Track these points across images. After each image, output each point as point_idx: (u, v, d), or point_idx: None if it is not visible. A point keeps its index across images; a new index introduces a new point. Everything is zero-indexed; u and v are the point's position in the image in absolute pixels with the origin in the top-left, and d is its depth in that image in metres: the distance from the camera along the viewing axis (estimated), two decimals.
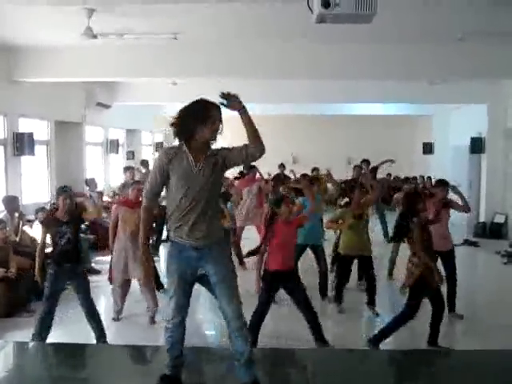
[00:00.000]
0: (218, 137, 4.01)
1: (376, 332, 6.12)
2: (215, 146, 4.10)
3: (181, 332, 4.17)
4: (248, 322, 5.33)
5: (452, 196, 7.56)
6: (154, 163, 4.15)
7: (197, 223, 3.97)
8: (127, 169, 11.69)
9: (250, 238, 10.18)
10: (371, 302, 7.51)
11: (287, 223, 5.94)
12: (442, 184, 7.48)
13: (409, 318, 5.91)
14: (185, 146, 4.00)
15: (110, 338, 6.17)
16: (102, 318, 6.20)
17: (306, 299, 5.97)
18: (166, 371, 4.20)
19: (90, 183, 12.60)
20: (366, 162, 13.24)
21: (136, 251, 6.87)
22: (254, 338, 5.57)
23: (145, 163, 13.52)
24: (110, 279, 7.44)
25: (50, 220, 5.92)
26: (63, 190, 5.98)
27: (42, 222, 5.99)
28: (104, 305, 7.76)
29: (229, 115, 4.10)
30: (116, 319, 7.16)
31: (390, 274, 9.23)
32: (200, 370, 4.87)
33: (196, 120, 3.94)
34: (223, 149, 4.06)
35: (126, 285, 7.21)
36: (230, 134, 4.61)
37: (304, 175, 9.40)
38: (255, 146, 3.92)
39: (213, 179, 4.01)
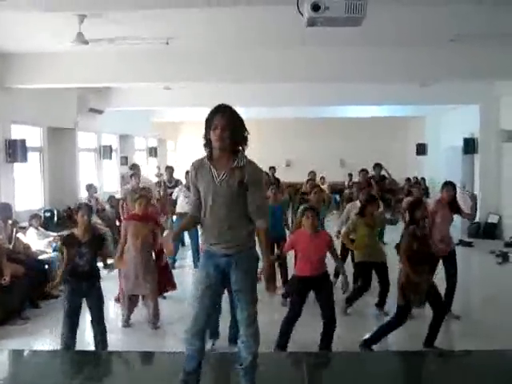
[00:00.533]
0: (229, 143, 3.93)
1: (368, 335, 6.15)
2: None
3: (198, 347, 4.10)
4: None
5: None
6: (191, 178, 4.20)
7: (222, 232, 4.01)
8: (133, 175, 11.58)
9: None
10: (381, 304, 7.54)
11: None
12: (448, 186, 7.49)
13: (399, 322, 5.98)
14: (206, 157, 4.05)
15: (118, 343, 6.19)
16: (111, 323, 6.22)
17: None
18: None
19: (89, 188, 12.56)
20: (379, 166, 12.90)
21: (146, 266, 6.98)
22: (284, 342, 5.84)
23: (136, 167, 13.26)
24: (118, 299, 7.62)
25: (70, 240, 5.84)
26: (82, 206, 6.02)
27: (63, 243, 5.95)
28: (112, 310, 7.77)
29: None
30: (125, 326, 7.20)
31: None
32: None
33: (206, 132, 4.00)
34: (253, 175, 3.98)
35: (135, 298, 7.27)
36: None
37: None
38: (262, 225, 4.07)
39: (236, 190, 3.96)
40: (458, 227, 13.63)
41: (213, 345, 6.06)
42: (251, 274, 4.13)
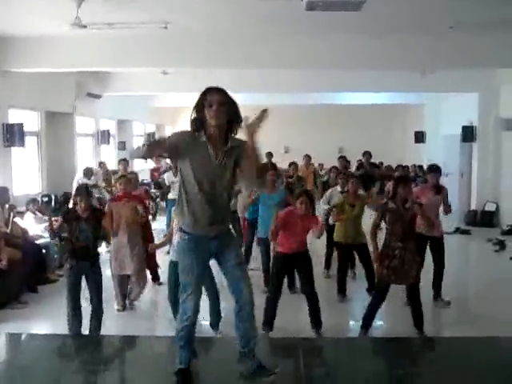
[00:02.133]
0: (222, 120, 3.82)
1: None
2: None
3: (193, 332, 4.12)
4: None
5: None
6: (178, 133, 3.97)
7: (214, 213, 3.92)
8: (121, 161, 11.72)
9: None
10: (372, 288, 7.58)
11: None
12: (433, 170, 7.50)
13: (378, 299, 6.11)
14: (203, 135, 3.86)
15: (113, 329, 6.23)
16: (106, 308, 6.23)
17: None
18: (179, 366, 4.12)
19: (87, 172, 12.54)
20: (368, 153, 13.21)
21: (131, 246, 7.06)
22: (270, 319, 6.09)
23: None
24: None
25: (70, 215, 5.94)
26: (81, 192, 6.14)
27: (63, 218, 5.98)
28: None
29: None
30: (119, 310, 7.24)
31: None
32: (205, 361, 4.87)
33: (198, 112, 3.85)
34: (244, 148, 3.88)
35: (124, 278, 7.29)
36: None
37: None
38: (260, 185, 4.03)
39: (231, 172, 3.93)
40: (455, 215, 13.69)
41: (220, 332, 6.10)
42: (240, 249, 4.26)
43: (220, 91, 3.85)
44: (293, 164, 11.82)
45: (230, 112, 3.84)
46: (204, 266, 4.12)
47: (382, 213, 6.15)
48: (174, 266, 5.44)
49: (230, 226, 4.34)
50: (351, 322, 6.94)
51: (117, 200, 7.35)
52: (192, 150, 3.84)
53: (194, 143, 3.85)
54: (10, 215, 8.56)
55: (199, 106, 3.84)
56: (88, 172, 12.38)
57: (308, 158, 14.02)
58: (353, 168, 15.33)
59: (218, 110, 3.78)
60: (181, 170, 3.97)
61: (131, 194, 7.53)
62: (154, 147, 3.92)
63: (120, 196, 7.37)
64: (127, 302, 7.30)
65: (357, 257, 7.94)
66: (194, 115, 3.89)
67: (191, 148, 3.84)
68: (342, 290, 7.63)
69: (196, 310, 4.04)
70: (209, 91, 3.84)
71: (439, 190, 7.38)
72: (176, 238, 4.42)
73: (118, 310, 7.23)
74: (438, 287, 7.37)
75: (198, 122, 3.86)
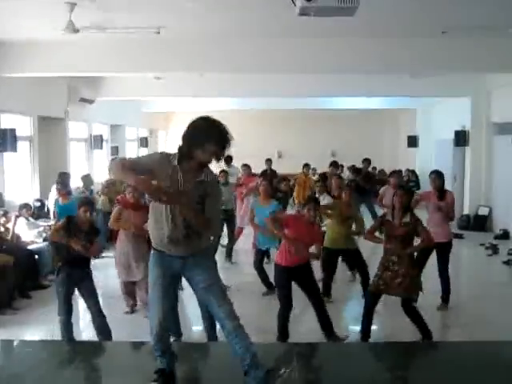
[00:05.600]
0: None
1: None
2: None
3: (164, 341, 4.15)
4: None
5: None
6: (152, 155, 4.14)
7: (178, 235, 3.93)
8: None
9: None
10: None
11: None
12: (434, 174, 7.55)
13: (369, 305, 6.10)
14: (175, 160, 3.93)
15: (122, 332, 6.23)
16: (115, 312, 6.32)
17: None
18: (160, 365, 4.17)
19: (85, 180, 12.46)
20: (367, 161, 13.31)
21: (137, 253, 7.06)
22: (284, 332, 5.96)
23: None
24: None
25: (70, 226, 5.87)
26: (85, 202, 6.10)
27: (63, 228, 5.88)
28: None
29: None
30: (127, 313, 7.31)
31: None
32: (195, 366, 4.85)
33: (194, 145, 3.87)
34: (212, 190, 3.99)
35: (131, 285, 7.34)
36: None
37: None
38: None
39: (195, 204, 3.90)
40: None
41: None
42: (214, 267, 4.18)
43: (228, 147, 3.95)
44: (285, 180, 11.82)
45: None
46: (169, 281, 4.09)
47: (380, 224, 6.13)
48: None
49: (206, 247, 4.23)
50: (350, 327, 6.92)
51: (130, 207, 7.22)
52: (167, 170, 3.91)
53: (167, 165, 3.93)
54: (15, 223, 8.52)
55: (197, 145, 3.85)
56: (87, 181, 12.31)
57: (307, 167, 14.08)
58: (345, 172, 15.43)
59: (210, 162, 3.95)
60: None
61: (140, 203, 7.35)
62: (128, 173, 3.86)
63: (134, 205, 7.22)
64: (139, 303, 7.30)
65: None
66: (187, 148, 3.91)
67: (164, 169, 3.91)
68: (327, 294, 7.61)
69: (159, 322, 4.03)
70: (223, 145, 3.90)
71: (443, 195, 7.41)
72: None
73: (126, 313, 7.29)
74: (446, 295, 7.42)
75: (186, 154, 3.91)
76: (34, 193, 11.81)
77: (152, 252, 4.14)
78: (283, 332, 5.98)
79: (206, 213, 3.94)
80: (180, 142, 3.97)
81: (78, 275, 5.81)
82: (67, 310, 5.78)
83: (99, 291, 6.19)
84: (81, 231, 5.83)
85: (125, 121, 17.66)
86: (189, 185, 3.90)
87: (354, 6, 4.43)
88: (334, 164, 13.11)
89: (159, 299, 4.04)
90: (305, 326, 6.50)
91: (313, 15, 4.67)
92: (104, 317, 5.94)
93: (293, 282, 6.09)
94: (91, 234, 5.95)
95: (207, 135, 3.86)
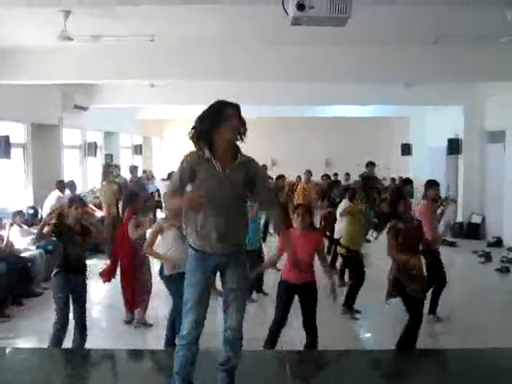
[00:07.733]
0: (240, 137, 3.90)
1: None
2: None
3: (194, 351, 3.97)
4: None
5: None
6: (179, 167, 3.94)
7: (225, 230, 3.84)
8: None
9: None
10: (346, 304, 7.67)
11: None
12: (434, 184, 7.64)
13: (418, 318, 5.82)
14: (208, 153, 3.81)
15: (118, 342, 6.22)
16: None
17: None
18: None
19: (71, 186, 12.45)
20: (372, 164, 13.28)
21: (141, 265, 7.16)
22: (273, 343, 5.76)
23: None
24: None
25: (62, 227, 5.81)
26: (76, 200, 6.09)
27: (53, 232, 5.80)
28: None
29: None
30: (129, 322, 7.28)
31: None
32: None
33: (211, 124, 3.78)
34: (257, 170, 4.01)
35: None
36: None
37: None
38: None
39: (241, 186, 3.88)
40: (441, 227, 13.74)
41: None
42: (246, 274, 4.14)
43: (238, 108, 3.87)
44: (282, 177, 11.88)
45: (243, 127, 3.90)
46: (207, 283, 3.99)
47: (395, 233, 5.84)
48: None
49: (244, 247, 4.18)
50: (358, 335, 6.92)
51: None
52: (200, 170, 3.83)
53: (197, 164, 3.84)
54: (9, 231, 8.49)
55: (212, 119, 3.79)
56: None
57: (309, 174, 14.10)
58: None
59: (235, 126, 3.81)
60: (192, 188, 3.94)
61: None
62: (175, 196, 3.92)
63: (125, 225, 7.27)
64: (135, 321, 7.23)
65: None
66: (202, 126, 3.82)
67: (198, 169, 3.83)
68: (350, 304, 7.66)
69: (193, 327, 3.89)
70: (227, 106, 3.84)
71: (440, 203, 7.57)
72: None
73: (126, 322, 7.25)
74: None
75: (207, 134, 3.81)
76: (28, 200, 11.80)
77: (191, 253, 3.98)
78: (272, 342, 5.80)
79: (261, 192, 4.01)
80: (199, 130, 3.84)
81: (74, 282, 5.76)
82: (66, 315, 5.70)
83: (96, 299, 6.17)
84: (74, 233, 5.77)
85: (119, 128, 17.67)
86: (229, 171, 3.83)
87: (346, 16, 4.47)
88: (326, 177, 13.13)
89: (196, 304, 3.89)
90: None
91: (305, 24, 4.71)
92: (85, 329, 5.86)
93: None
94: (85, 234, 5.90)
95: (221, 105, 3.84)
